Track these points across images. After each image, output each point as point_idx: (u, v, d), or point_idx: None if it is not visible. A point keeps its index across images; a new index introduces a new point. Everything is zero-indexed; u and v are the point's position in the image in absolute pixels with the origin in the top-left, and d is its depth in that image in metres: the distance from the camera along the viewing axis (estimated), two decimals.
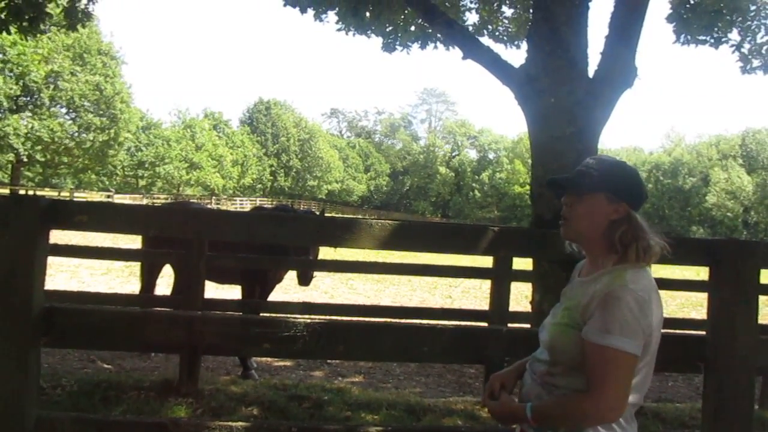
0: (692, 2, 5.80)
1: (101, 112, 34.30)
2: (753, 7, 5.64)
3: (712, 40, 6.01)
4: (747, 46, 5.95)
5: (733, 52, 6.02)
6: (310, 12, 6.01)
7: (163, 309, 6.12)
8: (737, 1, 5.40)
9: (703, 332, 2.49)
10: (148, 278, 6.41)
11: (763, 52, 5.85)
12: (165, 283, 7.52)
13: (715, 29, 5.83)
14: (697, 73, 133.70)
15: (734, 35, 5.96)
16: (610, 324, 1.53)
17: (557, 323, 1.71)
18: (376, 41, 6.49)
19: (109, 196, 34.26)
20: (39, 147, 32.13)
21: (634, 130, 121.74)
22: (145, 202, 35.14)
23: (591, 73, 3.62)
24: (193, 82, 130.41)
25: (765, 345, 2.51)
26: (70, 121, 33.67)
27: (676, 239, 1.95)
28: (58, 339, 2.14)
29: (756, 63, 5.97)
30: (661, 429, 4.30)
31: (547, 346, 1.72)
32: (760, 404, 5.05)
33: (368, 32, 6.30)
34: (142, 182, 46.03)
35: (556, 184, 1.80)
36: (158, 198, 40.25)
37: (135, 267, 10.53)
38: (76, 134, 33.82)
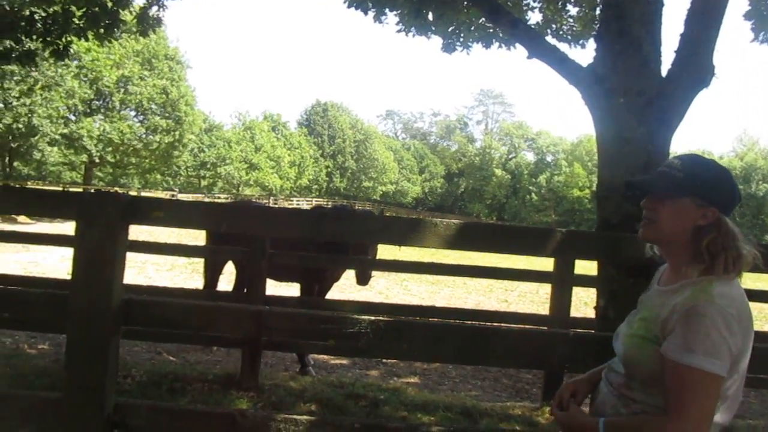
0: None
1: (167, 115, 35.75)
2: None
3: None
4: None
5: None
6: (371, 13, 6.05)
7: (231, 303, 6.31)
8: None
9: None
10: (212, 274, 6.61)
11: None
12: (225, 280, 7.75)
13: None
14: None
15: None
16: (692, 342, 1.42)
17: (633, 334, 1.60)
18: (435, 42, 6.49)
19: (173, 196, 35.63)
20: (110, 148, 33.77)
21: (704, 133, 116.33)
22: (209, 201, 36.31)
23: (664, 72, 3.48)
24: (253, 85, 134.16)
25: None
26: (138, 124, 35.23)
27: (765, 246, 1.84)
28: (136, 330, 2.24)
29: None
30: None
31: (623, 358, 1.62)
32: None
33: (429, 33, 6.29)
34: (204, 182, 47.65)
35: (635, 187, 1.68)
36: (219, 197, 41.55)
37: (197, 264, 10.91)
38: (144, 136, 35.35)
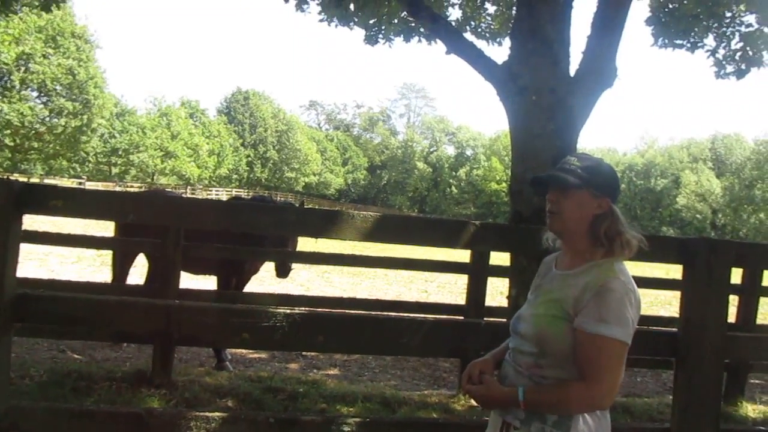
0: (671, 6, 5.90)
1: (74, 97, 33.57)
2: (729, 14, 5.76)
3: (689, 45, 6.13)
4: (722, 51, 6.07)
5: (708, 57, 6.14)
6: (293, 1, 5.95)
7: (138, 298, 6.04)
8: (714, 8, 5.51)
9: (675, 329, 2.55)
10: (121, 267, 6.30)
11: (737, 58, 5.98)
12: (138, 273, 7.40)
13: (692, 34, 5.94)
14: (672, 76, 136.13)
15: (710, 41, 6.09)
16: (605, 314, 1.60)
17: (544, 314, 1.73)
18: (358, 33, 6.48)
19: (80, 184, 33.59)
20: (8, 131, 31.31)
21: (610, 131, 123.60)
22: (117, 190, 34.51)
23: (572, 72, 3.66)
24: (170, 70, 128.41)
25: (733, 341, 2.59)
26: (41, 105, 32.86)
27: (651, 237, 1.99)
28: (32, 327, 2.09)
29: (729, 69, 6.09)
30: (630, 422, 4.38)
31: (533, 338, 1.73)
32: (724, 399, 5.19)
33: (351, 24, 6.26)
34: (115, 170, 45.22)
35: (541, 182, 1.83)
36: (131, 186, 39.57)
37: (106, 256, 10.33)
38: (48, 119, 33.06)
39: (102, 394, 4.05)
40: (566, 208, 1.72)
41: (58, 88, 32.82)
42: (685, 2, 5.77)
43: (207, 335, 2.29)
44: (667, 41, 6.16)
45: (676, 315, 2.58)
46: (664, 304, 12.63)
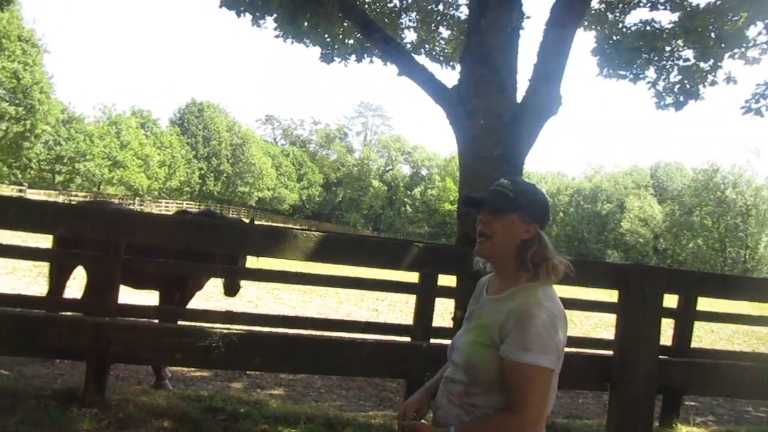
0: (615, 39, 6.17)
1: (17, 102, 32.28)
2: (668, 49, 6.06)
3: (632, 76, 6.41)
4: (661, 83, 6.38)
5: (649, 88, 6.43)
6: (248, 16, 5.91)
7: (69, 313, 5.77)
8: (654, 42, 5.79)
9: (611, 352, 2.62)
10: (57, 280, 6.02)
11: (676, 90, 6.29)
12: (77, 285, 7.10)
13: (635, 66, 6.22)
14: (618, 105, 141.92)
15: (651, 73, 6.39)
16: (528, 341, 1.58)
17: (472, 342, 1.72)
18: (315, 50, 6.47)
19: (21, 191, 32.14)
20: None
21: (559, 156, 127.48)
22: (60, 198, 33.20)
23: (519, 99, 3.76)
24: (121, 78, 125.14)
25: (666, 365, 2.67)
26: None
27: (588, 262, 2.04)
28: None
29: (669, 100, 6.40)
30: None
31: (464, 366, 1.72)
32: (660, 422, 5.34)
33: (306, 41, 6.27)
34: (59, 178, 43.55)
35: (474, 203, 1.83)
36: (76, 195, 38.16)
37: (44, 267, 9.88)
38: None
39: (28, 413, 3.82)
40: (496, 230, 1.72)
41: (1, 91, 31.53)
42: (628, 35, 6.04)
43: (140, 353, 2.20)
44: (611, 71, 6.43)
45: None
46: (608, 326, 12.97)
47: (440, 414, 1.77)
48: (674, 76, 6.26)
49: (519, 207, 1.71)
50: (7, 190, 32.91)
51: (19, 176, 41.31)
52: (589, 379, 2.61)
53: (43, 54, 35.13)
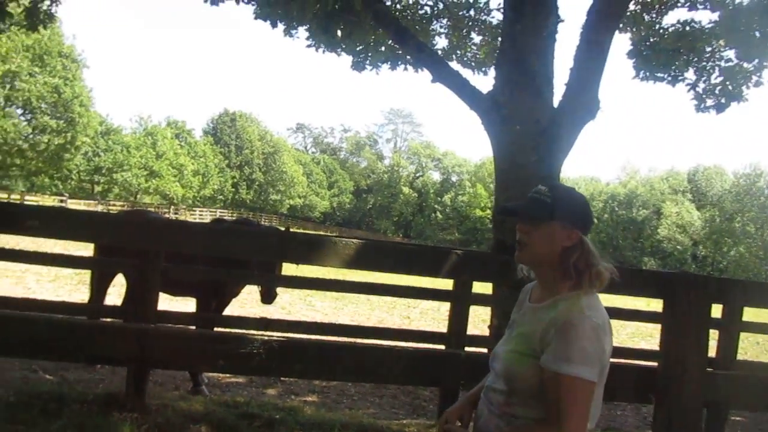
0: (652, 40, 6.05)
1: (59, 115, 33.39)
2: (708, 49, 5.90)
3: (670, 78, 6.26)
4: (702, 85, 6.21)
5: (689, 90, 6.27)
6: (281, 26, 6.00)
7: (112, 320, 5.90)
8: (694, 42, 5.65)
9: (655, 363, 2.54)
10: (98, 287, 6.17)
11: (717, 92, 6.12)
12: (116, 292, 7.26)
13: (673, 68, 6.08)
14: (653, 108, 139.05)
15: (690, 74, 6.23)
16: (569, 352, 1.53)
17: (512, 350, 1.69)
18: (346, 59, 6.54)
19: (62, 201, 33.14)
20: None
21: (592, 160, 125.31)
22: (99, 208, 34.09)
23: (556, 103, 3.71)
24: (157, 90, 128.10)
25: (713, 378, 2.58)
26: (25, 123, 32.60)
27: (631, 271, 1.99)
28: (1, 347, 2.03)
29: (710, 102, 6.23)
30: None
31: (504, 375, 1.68)
32: None
33: (338, 50, 6.32)
34: (98, 188, 44.79)
35: (510, 212, 1.79)
36: (114, 205, 39.14)
37: (85, 275, 10.15)
38: (31, 136, 32.76)
39: (72, 417, 3.91)
40: (535, 239, 1.68)
41: (43, 105, 32.65)
42: (666, 36, 5.91)
43: (182, 360, 2.23)
44: (648, 74, 6.30)
45: (657, 348, 2.58)
46: (645, 336, 12.65)
47: (481, 423, 1.74)
48: (715, 78, 6.10)
49: (558, 214, 1.66)
50: (49, 201, 33.99)
51: (60, 187, 42.65)
52: (631, 391, 2.53)
53: (83, 69, 36.27)
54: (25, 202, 27.51)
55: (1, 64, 30.54)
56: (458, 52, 6.90)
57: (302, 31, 6.20)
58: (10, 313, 2.08)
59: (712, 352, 5.33)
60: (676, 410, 2.31)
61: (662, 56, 5.84)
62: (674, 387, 2.32)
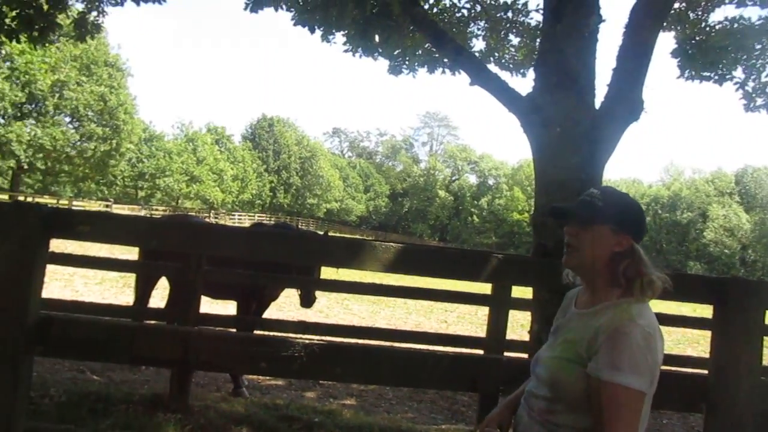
0: (698, 39, 5.87)
1: (104, 122, 34.54)
2: (758, 46, 5.69)
3: (717, 77, 6.06)
4: (751, 84, 5.99)
5: (737, 89, 6.06)
6: (318, 32, 6.06)
7: (157, 322, 6.05)
8: (743, 40, 5.46)
9: (704, 371, 2.46)
10: (143, 290, 6.34)
11: (767, 90, 5.90)
12: (159, 295, 7.45)
13: (720, 66, 5.88)
14: (697, 107, 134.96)
15: (738, 73, 6.02)
16: (619, 361, 1.48)
17: (557, 357, 1.64)
18: (382, 63, 6.55)
19: (107, 206, 34.25)
20: (40, 154, 32.24)
21: (634, 162, 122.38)
22: (143, 213, 35.09)
23: (597, 105, 3.64)
24: (197, 96, 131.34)
25: (765, 388, 2.48)
26: (73, 130, 33.82)
27: (679, 275, 1.93)
28: (53, 349, 2.10)
29: (760, 101, 6.00)
30: None
31: (547, 382, 1.65)
32: None
33: (375, 54, 6.35)
34: (141, 193, 46.08)
35: (560, 213, 1.75)
36: (157, 210, 40.23)
37: (129, 278, 10.46)
38: (78, 143, 33.99)
39: (118, 417, 4.04)
40: (584, 242, 1.63)
41: (90, 113, 33.82)
42: (713, 34, 5.73)
43: (225, 362, 2.27)
44: (693, 73, 6.12)
45: (705, 355, 2.49)
46: (692, 343, 12.27)
47: (521, 429, 1.71)
48: (766, 76, 5.87)
49: (609, 218, 1.62)
50: (95, 206, 35.16)
51: (106, 192, 44.07)
52: (680, 400, 2.45)
53: (127, 77, 37.43)
54: (75, 208, 28.55)
55: (51, 74, 31.78)
56: (496, 54, 6.84)
57: (339, 37, 6.26)
58: (60, 316, 2.15)
59: (766, 360, 5.15)
60: (729, 420, 2.23)
61: (709, 54, 5.66)
62: (727, 396, 2.23)
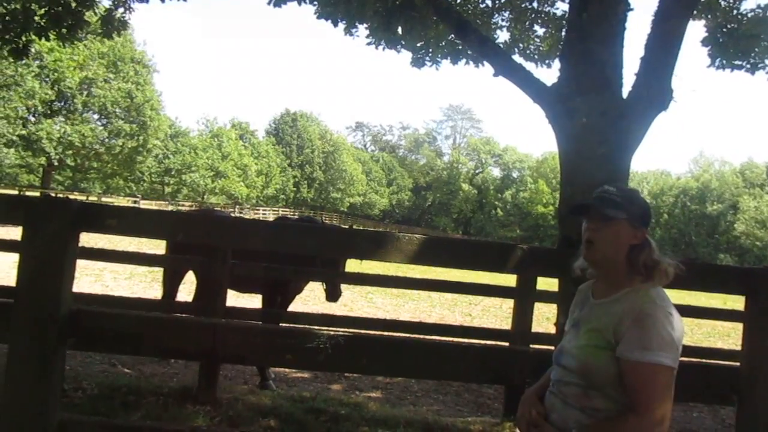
0: (729, 27, 5.71)
1: (131, 119, 35.11)
2: None
3: (749, 66, 5.90)
4: None
5: None
6: (341, 25, 6.06)
7: (186, 315, 6.16)
8: None
9: (736, 363, 2.41)
10: (171, 284, 6.44)
11: None
12: (186, 290, 7.57)
13: (752, 55, 5.72)
14: (727, 97, 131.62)
15: None
16: (647, 341, 1.58)
17: (586, 345, 1.71)
18: (405, 56, 6.52)
19: (135, 202, 34.90)
20: (70, 151, 32.91)
21: (660, 153, 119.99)
22: (170, 209, 35.65)
23: (625, 94, 3.57)
24: (221, 92, 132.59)
25: None
26: (101, 127, 34.45)
27: (710, 266, 1.93)
28: (85, 342, 2.15)
29: None
30: None
31: (579, 370, 1.71)
32: None
33: (398, 47, 6.32)
34: (168, 189, 46.80)
35: (581, 210, 1.83)
36: (183, 205, 40.81)
37: (157, 272, 10.65)
38: (107, 140, 34.62)
39: (149, 409, 4.12)
40: (605, 237, 1.74)
41: (117, 110, 34.40)
42: (744, 22, 5.58)
43: (252, 355, 2.29)
44: (725, 62, 5.97)
45: (736, 347, 2.44)
46: (722, 336, 12.03)
47: (555, 417, 1.76)
48: None
49: (628, 213, 1.74)
50: (123, 202, 35.83)
51: (133, 188, 44.86)
52: (711, 392, 2.41)
53: (153, 73, 37.97)
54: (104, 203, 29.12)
55: (79, 72, 32.39)
56: (520, 45, 6.74)
57: (362, 29, 6.24)
58: (91, 309, 2.20)
59: None
60: (763, 412, 2.18)
61: (741, 43, 5.51)
62: (760, 387, 2.19)
